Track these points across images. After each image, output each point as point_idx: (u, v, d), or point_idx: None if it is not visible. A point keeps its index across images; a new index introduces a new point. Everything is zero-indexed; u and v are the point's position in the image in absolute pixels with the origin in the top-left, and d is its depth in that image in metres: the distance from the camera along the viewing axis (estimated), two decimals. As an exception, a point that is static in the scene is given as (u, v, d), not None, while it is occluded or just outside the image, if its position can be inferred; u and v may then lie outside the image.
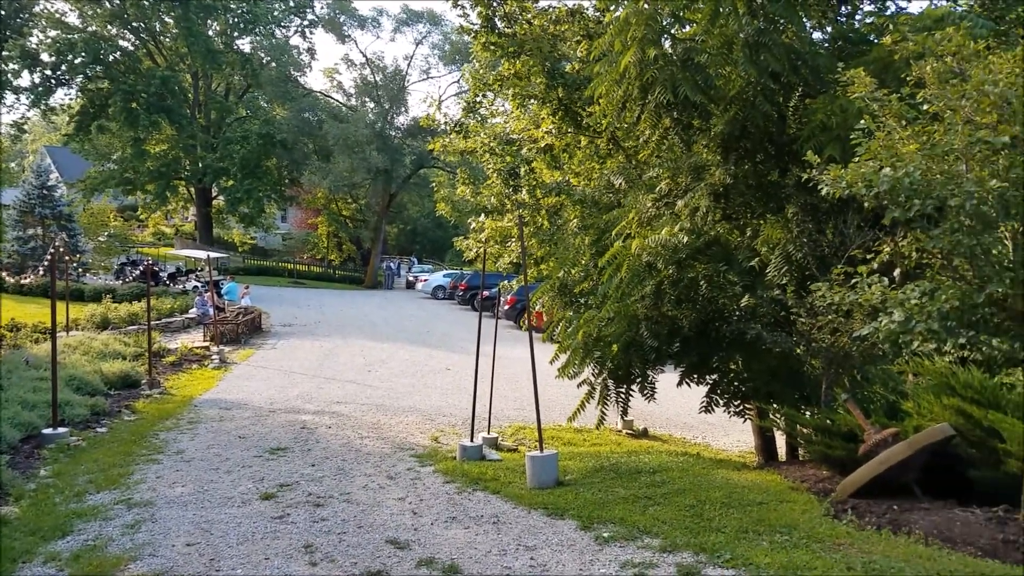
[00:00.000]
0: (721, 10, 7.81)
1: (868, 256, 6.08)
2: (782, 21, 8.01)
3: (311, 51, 61.71)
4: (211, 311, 19.66)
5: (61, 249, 12.89)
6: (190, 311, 21.97)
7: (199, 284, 28.20)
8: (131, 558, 5.34)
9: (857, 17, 9.71)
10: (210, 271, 22.84)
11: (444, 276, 41.13)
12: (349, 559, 5.34)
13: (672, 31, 8.89)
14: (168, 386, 13.02)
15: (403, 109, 50.57)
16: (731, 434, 12.55)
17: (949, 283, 5.39)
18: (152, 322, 15.01)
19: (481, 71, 17.30)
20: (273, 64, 44.85)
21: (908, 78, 5.97)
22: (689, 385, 9.40)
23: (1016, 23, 8.50)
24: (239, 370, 15.26)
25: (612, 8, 10.84)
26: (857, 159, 5.64)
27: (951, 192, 5.15)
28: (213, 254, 25.91)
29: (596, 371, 9.39)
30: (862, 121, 5.78)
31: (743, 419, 9.43)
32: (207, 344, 18.04)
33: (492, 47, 12.99)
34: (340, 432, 10.11)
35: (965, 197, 5.09)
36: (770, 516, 5.84)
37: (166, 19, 39.74)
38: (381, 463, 8.47)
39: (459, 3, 13.29)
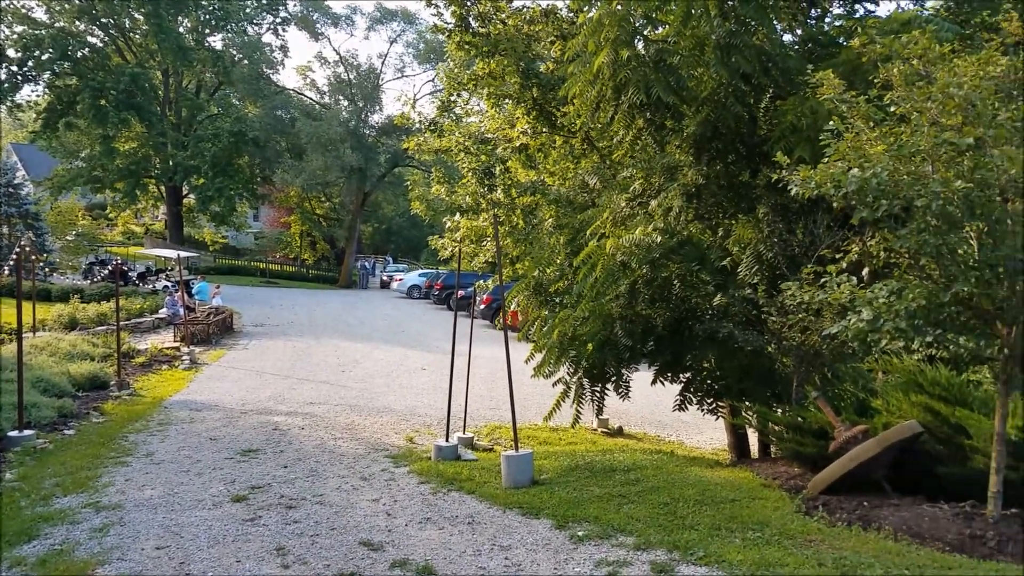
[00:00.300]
0: (693, 12, 7.88)
1: (837, 256, 6.16)
2: (753, 23, 8.10)
3: (284, 48, 61.21)
4: (181, 311, 19.40)
5: (27, 248, 12.62)
6: (160, 311, 21.66)
7: (169, 284, 27.81)
8: (99, 562, 5.25)
9: (826, 20, 9.84)
10: (180, 271, 22.54)
11: (419, 275, 40.95)
12: (322, 561, 5.30)
13: (645, 32, 8.94)
14: (138, 387, 12.82)
15: (377, 107, 50.29)
16: (704, 432, 12.66)
17: (916, 282, 5.48)
18: (121, 322, 14.76)
19: (456, 70, 17.25)
20: (245, 61, 44.34)
21: (876, 80, 6.06)
22: (663, 384, 9.46)
23: (981, 27, 8.66)
24: (210, 371, 15.07)
25: (585, 9, 10.86)
26: (826, 160, 5.71)
27: (918, 193, 5.23)
28: (183, 253, 25.58)
29: (571, 370, 9.42)
30: (831, 122, 5.85)
31: (716, 417, 9.51)
32: (177, 345, 17.79)
33: (466, 46, 12.97)
34: (313, 433, 10.03)
35: (931, 197, 5.17)
36: (743, 513, 5.90)
37: (136, 15, 39.10)
38: (355, 464, 8.41)
39: (433, 2, 13.24)
